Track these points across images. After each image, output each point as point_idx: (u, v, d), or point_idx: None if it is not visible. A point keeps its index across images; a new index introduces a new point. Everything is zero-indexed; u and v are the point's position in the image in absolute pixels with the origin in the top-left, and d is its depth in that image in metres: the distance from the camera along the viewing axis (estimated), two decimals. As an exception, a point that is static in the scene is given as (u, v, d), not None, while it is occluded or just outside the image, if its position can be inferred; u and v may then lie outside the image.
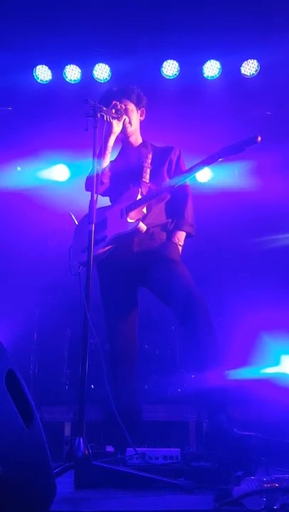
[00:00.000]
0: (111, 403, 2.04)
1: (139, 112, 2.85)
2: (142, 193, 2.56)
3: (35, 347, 4.00)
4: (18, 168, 3.87)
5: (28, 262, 4.45)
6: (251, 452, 1.97)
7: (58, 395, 3.84)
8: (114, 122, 2.63)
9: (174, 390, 3.74)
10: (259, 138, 2.13)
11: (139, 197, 2.55)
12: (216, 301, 3.85)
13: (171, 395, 3.73)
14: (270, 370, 3.72)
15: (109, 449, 2.24)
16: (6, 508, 1.15)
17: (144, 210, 2.55)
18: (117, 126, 2.66)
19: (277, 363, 3.82)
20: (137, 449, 2.09)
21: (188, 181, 2.72)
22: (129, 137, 2.84)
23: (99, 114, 2.32)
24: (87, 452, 1.82)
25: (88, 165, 2.53)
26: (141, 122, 2.91)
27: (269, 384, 3.48)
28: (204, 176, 4.87)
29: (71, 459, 1.81)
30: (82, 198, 2.52)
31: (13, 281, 4.35)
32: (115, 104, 2.61)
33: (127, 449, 2.08)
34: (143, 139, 2.91)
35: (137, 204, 2.52)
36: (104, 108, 2.43)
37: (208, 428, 2.28)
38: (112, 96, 2.72)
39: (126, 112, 2.73)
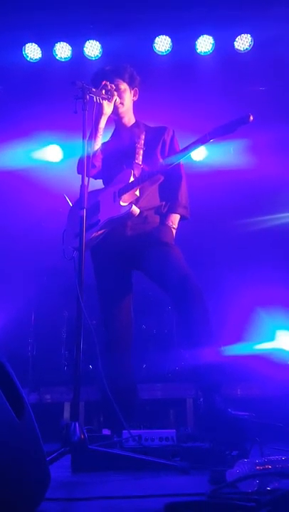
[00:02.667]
0: (105, 387, 2.03)
1: (132, 91, 2.75)
2: (134, 175, 2.49)
3: (33, 329, 4.00)
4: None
5: (23, 245, 4.40)
6: (245, 432, 1.97)
7: (56, 376, 3.85)
8: (105, 103, 2.54)
9: (172, 368, 3.76)
10: (251, 117, 2.06)
11: (132, 179, 2.48)
12: (211, 278, 3.84)
13: (168, 372, 3.75)
14: (265, 346, 3.74)
15: (106, 432, 2.25)
16: (0, 500, 1.14)
17: (137, 192, 2.49)
18: (107, 108, 2.57)
19: (272, 338, 3.84)
20: (134, 430, 2.09)
21: (182, 162, 2.65)
22: (121, 118, 2.75)
23: (88, 96, 2.23)
24: (82, 436, 1.81)
25: (82, 146, 2.45)
26: (134, 103, 2.81)
27: (264, 359, 3.49)
28: (199, 154, 4.78)
29: (67, 443, 1.80)
30: (77, 180, 2.46)
31: (9, 263, 4.31)
32: (105, 85, 2.51)
33: (124, 431, 2.09)
34: (136, 119, 2.82)
35: (130, 187, 2.46)
36: (94, 89, 2.34)
37: (203, 408, 2.28)
38: (103, 75, 2.62)
39: (118, 91, 2.63)
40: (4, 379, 1.28)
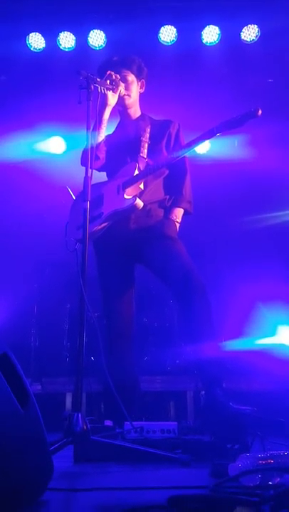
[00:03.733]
0: (107, 379, 2.04)
1: (139, 83, 2.72)
2: (139, 168, 2.49)
3: (36, 321, 4.02)
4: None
5: (26, 237, 4.41)
6: (247, 426, 1.98)
7: (58, 367, 3.88)
8: (110, 94, 2.52)
9: (173, 361, 3.78)
10: (260, 111, 2.05)
11: (136, 172, 2.48)
12: (213, 273, 3.85)
13: (169, 365, 3.77)
14: (266, 341, 3.74)
15: (108, 423, 2.27)
16: (4, 490, 1.16)
17: (141, 186, 2.49)
18: (112, 98, 2.55)
19: (273, 333, 3.84)
20: (135, 422, 2.11)
21: (187, 156, 2.64)
22: (127, 109, 2.73)
23: (92, 86, 2.22)
24: (85, 427, 1.83)
25: (85, 137, 2.44)
26: (140, 94, 2.79)
27: (265, 354, 3.50)
28: (202, 147, 4.75)
29: (70, 434, 1.82)
30: (80, 172, 2.45)
31: (12, 255, 4.32)
32: (110, 75, 2.49)
33: (125, 422, 2.10)
34: (142, 112, 2.80)
35: (134, 180, 2.45)
36: (99, 79, 2.33)
37: (204, 402, 2.30)
38: (110, 66, 2.60)
39: (125, 83, 2.61)
40: (9, 369, 1.30)
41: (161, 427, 2.08)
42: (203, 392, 2.66)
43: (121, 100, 2.63)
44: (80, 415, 1.84)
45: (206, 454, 1.86)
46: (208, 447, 1.91)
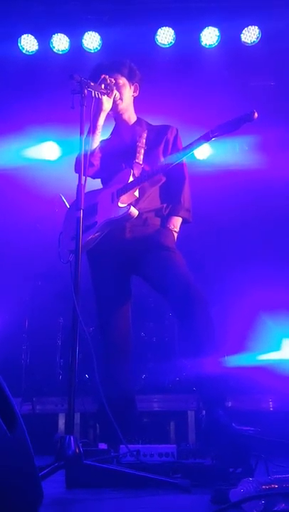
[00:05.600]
0: (102, 398, 2.02)
1: (132, 87, 2.73)
2: (133, 174, 2.49)
3: (27, 336, 3.99)
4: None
5: (17, 248, 4.41)
6: (250, 448, 1.96)
7: (51, 386, 3.85)
8: (104, 98, 2.53)
9: (173, 379, 3.75)
10: (256, 114, 2.06)
11: (131, 179, 2.48)
12: (214, 283, 3.84)
13: (169, 383, 3.74)
14: (270, 356, 3.71)
15: (102, 446, 2.24)
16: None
17: (136, 193, 2.48)
18: (106, 103, 2.57)
19: (278, 348, 3.81)
20: (131, 445, 2.08)
21: (185, 162, 2.65)
22: (121, 115, 2.74)
23: (86, 90, 2.23)
24: (77, 451, 1.80)
25: (80, 142, 2.45)
26: (135, 99, 2.81)
27: (269, 371, 3.47)
28: (203, 153, 4.78)
29: (61, 458, 1.80)
30: (74, 179, 2.46)
31: (2, 267, 4.31)
32: (104, 79, 2.51)
33: (121, 446, 2.08)
34: (138, 117, 2.81)
35: (129, 187, 2.46)
36: (92, 83, 2.34)
37: (205, 423, 2.28)
38: (101, 70, 2.62)
39: (117, 86, 2.63)
40: (-5, 391, 1.28)
41: (159, 450, 2.05)
42: (204, 412, 2.63)
43: (114, 105, 2.64)
44: (72, 438, 1.82)
45: (207, 479, 1.83)
46: (210, 471, 1.89)
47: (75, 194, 2.16)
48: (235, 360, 3.22)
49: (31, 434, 1.32)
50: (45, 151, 4.84)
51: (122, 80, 2.67)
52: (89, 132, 2.56)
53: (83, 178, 2.13)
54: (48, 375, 3.94)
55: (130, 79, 2.71)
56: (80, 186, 2.12)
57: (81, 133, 2.19)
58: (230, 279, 4.11)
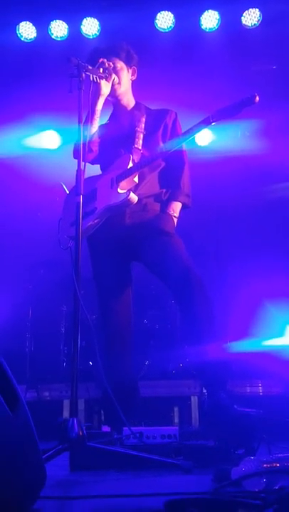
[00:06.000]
0: (105, 383, 2.04)
1: (130, 70, 2.71)
2: (133, 160, 2.48)
3: (31, 324, 4.01)
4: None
5: (19, 236, 4.42)
6: (252, 430, 1.98)
7: (55, 373, 3.88)
8: (102, 83, 2.51)
9: (176, 365, 3.77)
10: (257, 98, 2.04)
11: (130, 165, 2.47)
12: (216, 270, 3.85)
13: (172, 370, 3.77)
14: (274, 342, 3.72)
15: (106, 428, 2.27)
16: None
17: (136, 179, 2.48)
18: (105, 87, 2.54)
19: (281, 334, 3.82)
20: (134, 427, 2.11)
21: (184, 147, 2.64)
22: (120, 100, 2.72)
23: (84, 74, 2.22)
24: (81, 433, 1.82)
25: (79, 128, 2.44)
26: (133, 82, 2.79)
27: (273, 357, 3.48)
28: (204, 139, 4.76)
29: (65, 440, 1.82)
30: (74, 167, 2.46)
31: (5, 256, 4.33)
32: (102, 62, 2.48)
33: (124, 428, 2.10)
34: (136, 101, 2.79)
35: (128, 173, 2.45)
36: (90, 67, 2.32)
37: (208, 405, 2.29)
38: (99, 54, 2.59)
39: (115, 70, 2.60)
40: (-2, 373, 1.29)
41: (161, 432, 2.08)
42: (206, 392, 2.64)
43: (112, 90, 2.62)
44: (75, 420, 1.84)
45: (209, 460, 1.85)
46: (212, 452, 1.91)
47: (74, 181, 2.16)
48: (239, 346, 3.23)
49: (36, 421, 1.33)
50: (46, 139, 4.83)
51: (120, 64, 2.65)
52: (87, 118, 2.54)
53: (82, 163, 2.12)
54: (52, 363, 3.97)
55: (128, 62, 2.68)
56: (79, 172, 2.11)
57: (79, 118, 2.18)
58: (233, 265, 4.11)
